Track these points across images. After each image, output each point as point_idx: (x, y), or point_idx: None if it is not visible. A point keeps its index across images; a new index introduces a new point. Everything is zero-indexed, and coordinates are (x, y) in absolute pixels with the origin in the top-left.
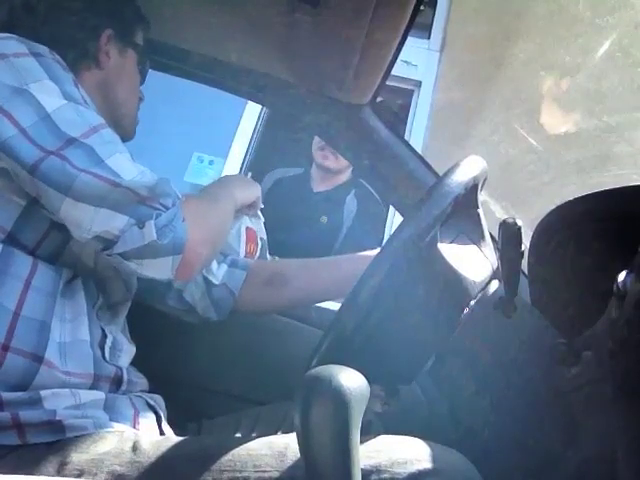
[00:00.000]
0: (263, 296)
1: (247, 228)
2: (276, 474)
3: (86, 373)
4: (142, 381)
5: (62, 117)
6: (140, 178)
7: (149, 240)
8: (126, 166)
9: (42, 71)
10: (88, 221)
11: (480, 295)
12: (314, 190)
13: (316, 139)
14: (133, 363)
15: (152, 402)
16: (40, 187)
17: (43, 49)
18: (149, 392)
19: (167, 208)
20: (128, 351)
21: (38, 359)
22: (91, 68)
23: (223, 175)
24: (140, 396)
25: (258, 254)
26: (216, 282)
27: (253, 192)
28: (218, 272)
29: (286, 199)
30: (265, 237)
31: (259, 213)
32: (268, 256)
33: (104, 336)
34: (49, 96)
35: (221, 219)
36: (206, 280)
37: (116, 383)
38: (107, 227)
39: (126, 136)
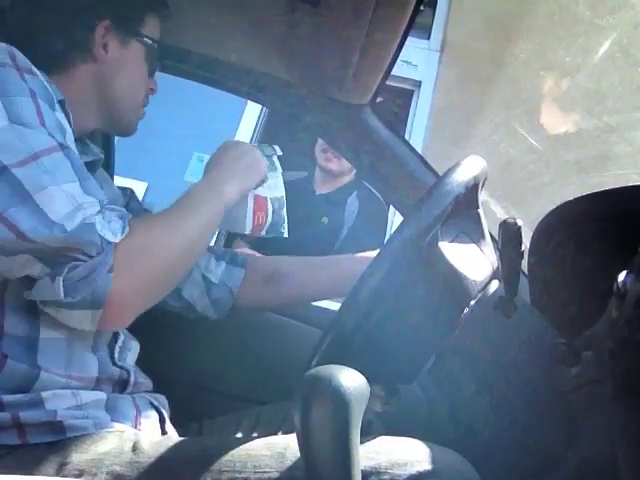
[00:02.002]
0: (262, 294)
1: (256, 196)
2: (276, 475)
3: (89, 377)
4: (147, 382)
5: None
6: (66, 221)
7: (57, 297)
8: (56, 203)
9: None
10: (4, 266)
11: (480, 295)
12: (316, 192)
13: (319, 141)
14: (136, 363)
15: (156, 402)
16: None
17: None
18: (152, 392)
19: (91, 257)
20: (134, 348)
21: (37, 366)
22: (86, 61)
23: (225, 147)
24: (144, 396)
25: (269, 220)
26: (215, 281)
27: (257, 173)
28: (217, 270)
29: (288, 202)
30: (280, 194)
31: (276, 163)
32: (285, 224)
33: (115, 336)
34: None
35: (179, 250)
36: (205, 279)
37: (121, 385)
38: (25, 272)
39: (125, 131)
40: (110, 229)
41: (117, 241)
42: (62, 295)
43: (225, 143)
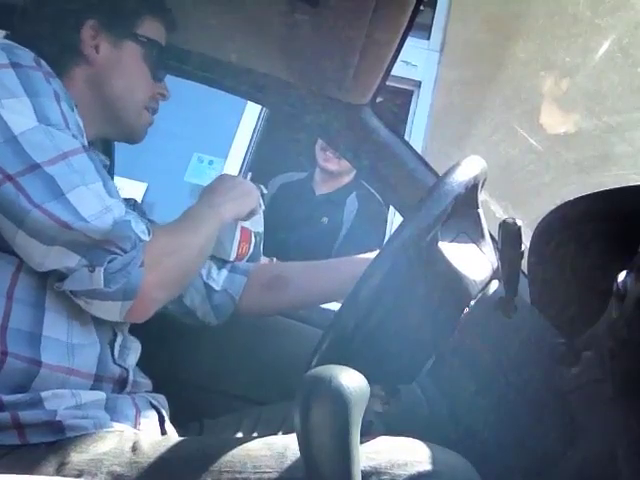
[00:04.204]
0: (263, 300)
1: (242, 228)
2: (275, 475)
3: (87, 373)
4: (146, 381)
5: (30, 140)
6: (98, 219)
7: (96, 286)
8: (87, 202)
9: (19, 85)
10: (39, 257)
11: (480, 295)
12: (316, 193)
13: (319, 142)
14: (136, 364)
15: (155, 402)
16: None
17: (25, 57)
18: (152, 392)
19: (125, 251)
20: (136, 349)
21: (37, 363)
22: (80, 63)
23: (221, 178)
24: (143, 396)
25: (251, 251)
26: (217, 288)
27: (250, 201)
28: (219, 277)
29: (289, 202)
30: (262, 230)
31: (260, 200)
32: (262, 257)
33: (114, 334)
34: (20, 116)
35: (194, 254)
36: (206, 286)
37: (120, 384)
38: (58, 265)
39: (131, 137)
40: (139, 228)
41: (147, 239)
42: (102, 285)
43: (221, 175)
